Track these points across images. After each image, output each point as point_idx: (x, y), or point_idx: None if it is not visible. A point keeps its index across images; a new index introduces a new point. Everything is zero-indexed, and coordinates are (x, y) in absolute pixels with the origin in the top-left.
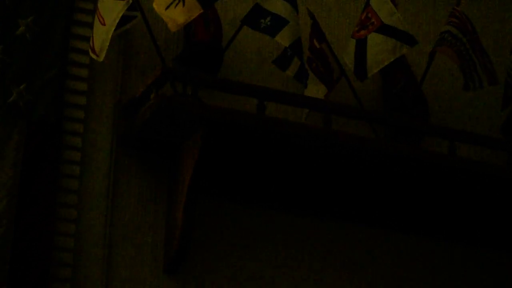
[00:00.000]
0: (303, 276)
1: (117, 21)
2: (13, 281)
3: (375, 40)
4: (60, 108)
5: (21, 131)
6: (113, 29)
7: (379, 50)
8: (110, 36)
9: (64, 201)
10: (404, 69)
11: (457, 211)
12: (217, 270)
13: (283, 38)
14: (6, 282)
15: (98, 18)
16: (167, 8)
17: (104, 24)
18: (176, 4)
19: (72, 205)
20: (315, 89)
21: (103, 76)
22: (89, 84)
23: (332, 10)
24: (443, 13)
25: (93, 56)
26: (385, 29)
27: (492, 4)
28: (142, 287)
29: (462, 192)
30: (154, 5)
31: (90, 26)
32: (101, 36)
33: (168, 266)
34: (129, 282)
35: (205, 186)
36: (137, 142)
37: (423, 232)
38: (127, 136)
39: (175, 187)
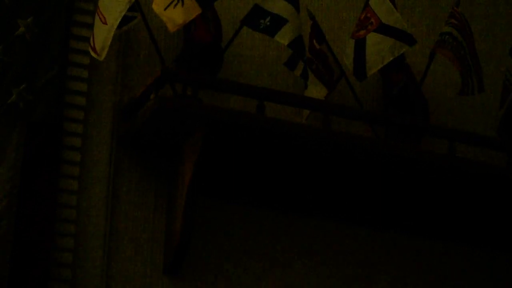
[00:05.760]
0: (304, 276)
1: (119, 20)
2: (13, 281)
3: (374, 40)
4: (60, 108)
5: (21, 132)
6: (115, 27)
7: (378, 50)
8: (111, 35)
9: (64, 202)
10: (404, 69)
11: (457, 211)
12: (217, 270)
13: (282, 37)
14: (6, 282)
15: (99, 17)
16: (166, 8)
17: (105, 23)
18: (175, 5)
19: (72, 206)
20: (315, 90)
21: (103, 77)
22: (89, 85)
23: (332, 11)
24: (443, 13)
25: (94, 55)
26: (384, 29)
27: (491, 4)
28: (142, 287)
29: (462, 192)
30: (153, 6)
31: (90, 27)
32: (102, 34)
33: (167, 266)
34: (129, 282)
35: (205, 187)
36: (137, 143)
37: (423, 232)
38: (127, 137)
39: (175, 187)
